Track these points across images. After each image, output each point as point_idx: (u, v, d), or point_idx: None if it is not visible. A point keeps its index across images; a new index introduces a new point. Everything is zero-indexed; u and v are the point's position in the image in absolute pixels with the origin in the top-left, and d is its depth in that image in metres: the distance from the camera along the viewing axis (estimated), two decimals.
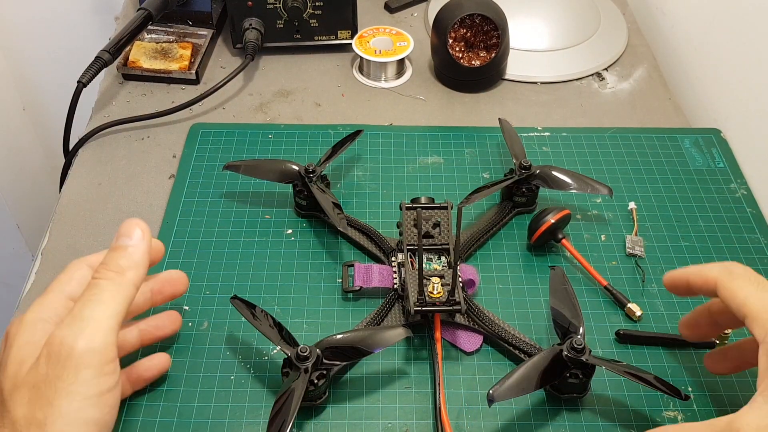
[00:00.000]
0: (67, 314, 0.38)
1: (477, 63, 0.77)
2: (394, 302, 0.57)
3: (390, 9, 0.90)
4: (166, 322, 0.52)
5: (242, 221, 0.64)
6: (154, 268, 0.50)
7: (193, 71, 0.79)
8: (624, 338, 0.56)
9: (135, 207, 0.66)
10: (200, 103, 0.76)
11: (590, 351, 0.49)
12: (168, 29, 0.83)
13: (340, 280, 0.59)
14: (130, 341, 0.50)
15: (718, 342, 0.55)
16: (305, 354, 0.48)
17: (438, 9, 0.77)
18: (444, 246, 0.58)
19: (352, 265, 0.59)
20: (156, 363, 0.50)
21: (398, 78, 0.81)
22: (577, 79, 0.81)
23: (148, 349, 0.53)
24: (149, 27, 0.79)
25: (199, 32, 0.83)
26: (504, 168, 0.70)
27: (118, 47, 0.74)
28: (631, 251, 0.62)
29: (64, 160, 0.74)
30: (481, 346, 0.55)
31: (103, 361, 0.36)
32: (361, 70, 0.82)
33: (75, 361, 0.35)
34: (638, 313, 0.57)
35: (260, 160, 0.69)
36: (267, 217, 0.65)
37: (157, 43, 0.82)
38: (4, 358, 0.38)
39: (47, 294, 0.42)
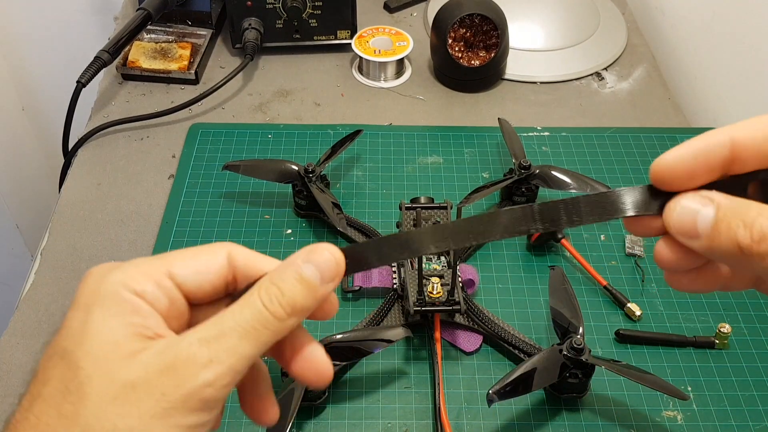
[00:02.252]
0: (201, 325, 0.29)
1: (476, 63, 0.77)
2: (394, 302, 0.57)
3: (389, 9, 0.90)
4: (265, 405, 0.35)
5: (242, 221, 0.64)
6: None
7: (193, 71, 0.79)
8: (624, 338, 0.56)
9: (134, 207, 0.66)
10: (199, 103, 0.76)
11: (590, 351, 0.49)
12: (167, 29, 0.83)
13: None
14: None
15: (717, 342, 0.55)
16: None
17: (437, 9, 0.77)
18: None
19: None
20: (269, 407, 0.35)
21: (398, 78, 0.81)
22: (576, 79, 0.81)
23: None
24: (148, 27, 0.79)
25: (198, 32, 0.83)
26: (503, 168, 0.70)
27: (117, 47, 0.74)
28: (630, 251, 0.62)
29: (63, 161, 0.74)
30: (480, 346, 0.55)
31: (217, 399, 0.29)
32: (360, 70, 0.82)
33: (193, 389, 0.28)
34: (638, 312, 0.57)
35: (260, 160, 0.69)
36: (266, 217, 0.65)
37: (157, 43, 0.82)
38: (79, 323, 0.29)
39: (149, 262, 0.31)
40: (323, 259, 0.30)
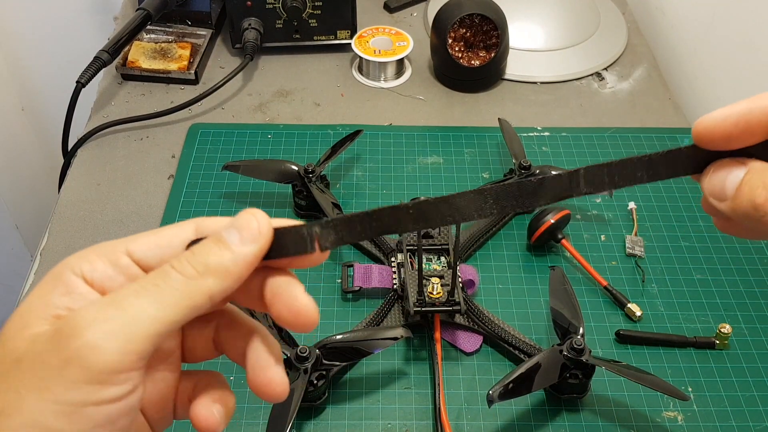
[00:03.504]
0: (110, 293, 0.28)
1: (476, 63, 0.77)
2: (394, 303, 0.57)
3: (389, 9, 0.90)
4: (215, 384, 0.32)
5: None
6: None
7: (192, 71, 0.79)
8: (624, 338, 0.56)
9: (134, 207, 0.66)
10: (199, 103, 0.76)
11: (590, 351, 0.49)
12: (167, 29, 0.83)
13: (339, 281, 0.59)
14: (161, 382, 0.31)
15: (718, 342, 0.55)
16: (305, 354, 0.48)
17: (437, 9, 0.77)
18: (444, 246, 0.57)
19: (352, 266, 0.59)
20: (218, 409, 0.31)
21: (398, 78, 0.81)
22: (576, 79, 0.81)
23: None
24: (148, 27, 0.79)
25: (198, 32, 0.83)
26: (504, 168, 0.70)
27: (117, 47, 0.74)
28: (631, 251, 0.62)
29: (63, 161, 0.74)
30: (480, 346, 0.55)
31: (106, 367, 0.25)
32: (360, 70, 0.81)
33: (72, 351, 0.25)
34: (638, 313, 0.57)
35: (259, 161, 0.69)
36: None
37: (156, 43, 0.82)
38: (18, 307, 0.28)
39: (108, 243, 0.30)
40: (244, 220, 0.29)
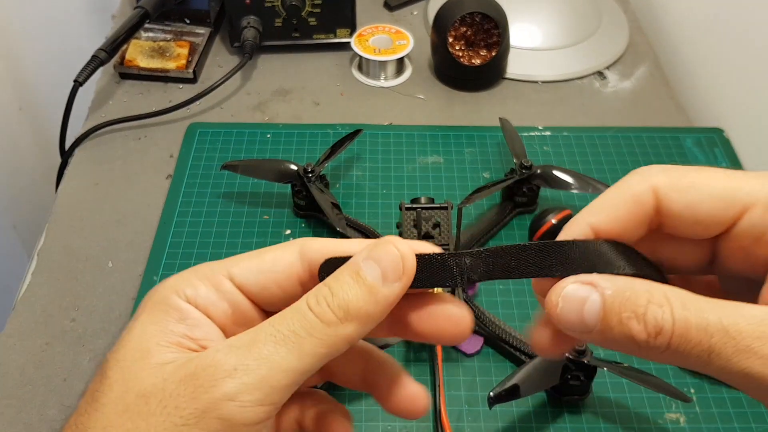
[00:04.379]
0: (240, 333, 0.26)
1: (477, 62, 0.77)
2: None
3: (389, 7, 0.90)
4: (338, 422, 0.31)
5: (240, 221, 0.64)
6: None
7: (191, 70, 0.78)
8: None
9: (132, 207, 0.65)
10: (198, 103, 0.76)
11: (591, 352, 0.49)
12: (165, 28, 0.82)
13: None
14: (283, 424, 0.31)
15: None
16: None
17: (438, 7, 0.76)
18: (444, 247, 0.57)
19: None
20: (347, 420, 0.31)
21: (398, 77, 0.80)
22: (578, 78, 0.81)
23: None
24: (146, 25, 0.78)
25: (196, 31, 0.83)
26: (504, 168, 0.69)
27: (114, 46, 0.73)
28: None
29: (60, 160, 0.73)
30: (481, 347, 0.55)
31: (244, 420, 0.24)
32: (360, 68, 0.81)
33: (211, 403, 0.24)
34: None
35: (258, 160, 0.68)
36: (265, 217, 0.64)
37: (154, 41, 0.81)
38: (125, 332, 0.27)
39: (207, 265, 0.28)
40: (386, 253, 0.25)
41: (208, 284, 0.27)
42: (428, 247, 0.26)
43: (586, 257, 0.26)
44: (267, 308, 0.28)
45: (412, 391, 0.29)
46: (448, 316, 0.27)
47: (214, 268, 0.28)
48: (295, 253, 0.28)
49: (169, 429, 0.24)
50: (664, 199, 0.26)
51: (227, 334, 0.27)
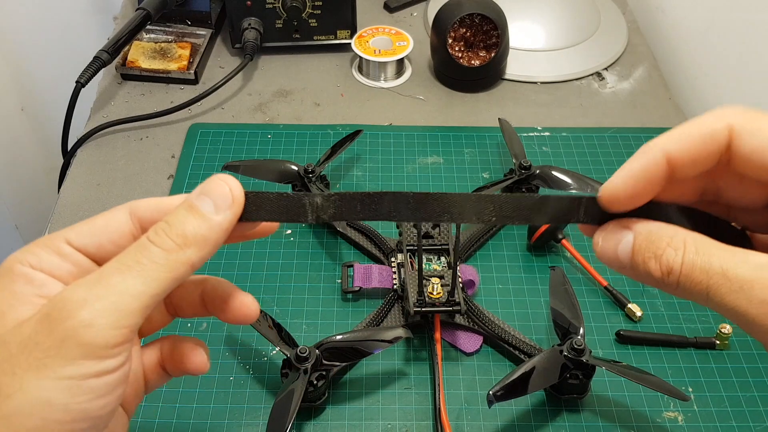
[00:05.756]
0: (91, 272, 0.29)
1: (477, 63, 0.77)
2: (394, 303, 0.56)
3: (389, 8, 0.90)
4: (192, 354, 0.35)
5: None
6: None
7: (192, 71, 0.78)
8: (624, 339, 0.55)
9: None
10: (199, 103, 0.76)
11: (590, 352, 0.49)
12: (167, 29, 0.83)
13: (339, 281, 0.59)
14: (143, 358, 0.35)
15: (718, 343, 0.55)
16: (304, 355, 0.48)
17: (438, 8, 0.77)
18: (444, 246, 0.57)
19: (352, 266, 0.59)
20: (200, 355, 0.35)
21: (398, 78, 0.81)
22: (577, 79, 0.81)
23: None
24: (148, 27, 0.79)
25: (197, 32, 0.83)
26: (504, 168, 0.69)
27: (116, 47, 0.74)
28: None
29: (62, 161, 0.74)
30: (480, 346, 0.55)
31: (101, 342, 0.27)
32: (360, 69, 0.81)
33: (68, 330, 0.26)
34: (638, 313, 0.56)
35: (259, 161, 0.68)
36: None
37: (156, 42, 0.82)
38: None
39: (45, 236, 0.31)
40: (214, 186, 0.30)
41: (48, 250, 0.30)
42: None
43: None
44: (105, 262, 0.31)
45: (243, 300, 0.33)
46: (242, 300, 0.33)
47: (52, 237, 0.31)
48: (125, 213, 0.31)
49: (33, 364, 0.26)
50: (737, 139, 0.28)
51: None
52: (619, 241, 0.29)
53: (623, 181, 0.29)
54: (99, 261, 0.31)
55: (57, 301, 0.27)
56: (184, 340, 0.34)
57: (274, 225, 0.33)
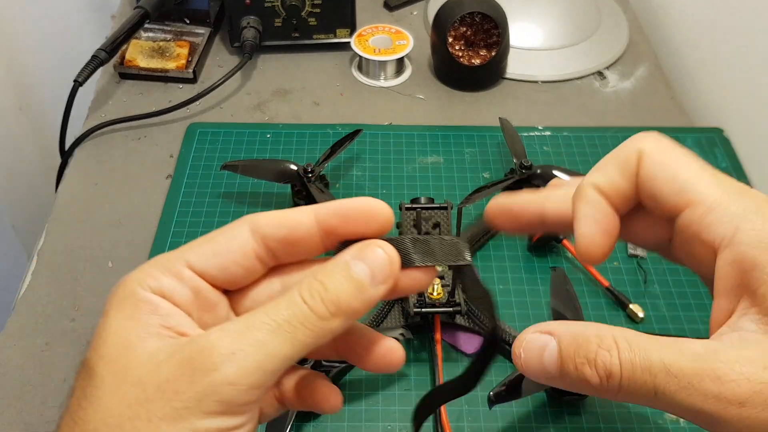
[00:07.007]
0: (230, 319, 0.28)
1: (477, 61, 0.77)
2: (394, 303, 0.56)
3: (389, 7, 0.90)
4: (326, 393, 0.32)
5: None
6: None
7: (191, 70, 0.78)
8: None
9: (132, 207, 0.65)
10: (197, 103, 0.76)
11: None
12: (165, 28, 0.82)
13: None
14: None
15: None
16: None
17: (438, 7, 0.76)
18: None
19: None
20: (331, 394, 0.32)
21: (397, 77, 0.80)
22: (578, 78, 0.81)
23: None
24: (146, 25, 0.78)
25: (196, 31, 0.82)
26: (504, 168, 0.69)
27: (114, 46, 0.73)
28: (633, 252, 0.61)
29: (60, 160, 0.73)
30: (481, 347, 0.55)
31: (241, 401, 0.25)
32: (360, 68, 0.81)
33: (210, 386, 0.25)
34: (641, 314, 0.56)
35: (258, 160, 0.68)
36: None
37: (154, 41, 0.81)
38: (99, 331, 0.27)
39: (164, 256, 0.29)
40: (375, 256, 0.28)
41: (169, 274, 0.28)
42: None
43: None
44: (227, 287, 0.29)
45: (388, 345, 0.30)
46: (388, 347, 0.30)
47: (172, 259, 0.28)
48: (247, 231, 0.29)
49: (170, 413, 0.25)
50: (641, 165, 0.28)
51: (194, 319, 0.28)
52: (543, 349, 0.27)
53: (592, 238, 0.29)
54: (219, 284, 0.29)
55: (202, 348, 0.26)
56: (310, 374, 0.32)
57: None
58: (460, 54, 0.77)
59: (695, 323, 0.56)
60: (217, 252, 0.29)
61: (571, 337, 0.26)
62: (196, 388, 0.25)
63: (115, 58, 0.77)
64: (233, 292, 0.29)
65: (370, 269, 0.27)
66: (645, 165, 0.28)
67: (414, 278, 0.29)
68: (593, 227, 0.29)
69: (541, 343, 0.27)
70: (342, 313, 0.27)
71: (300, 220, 0.29)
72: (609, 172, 0.29)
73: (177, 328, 0.27)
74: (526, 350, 0.27)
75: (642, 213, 0.30)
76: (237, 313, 0.29)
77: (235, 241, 0.29)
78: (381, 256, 0.28)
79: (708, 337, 0.27)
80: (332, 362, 0.49)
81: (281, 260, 0.30)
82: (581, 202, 0.29)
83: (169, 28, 0.82)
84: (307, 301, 0.27)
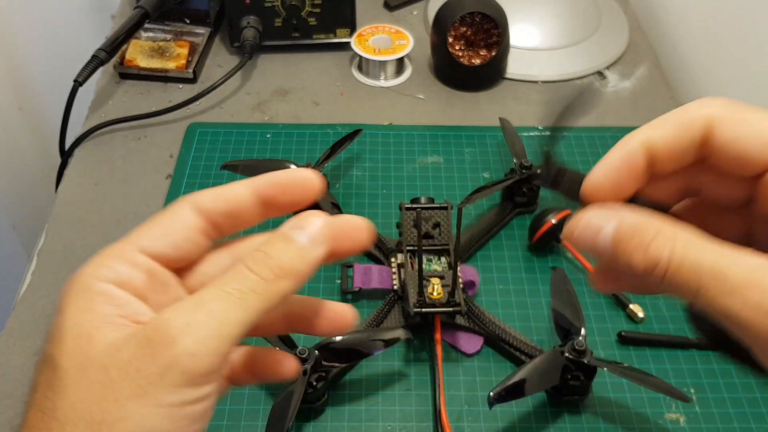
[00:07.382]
0: (187, 297, 0.29)
1: (477, 61, 0.77)
2: (394, 303, 0.56)
3: (389, 7, 0.90)
4: (279, 358, 0.34)
5: None
6: None
7: (191, 70, 0.78)
8: (626, 340, 0.55)
9: (132, 207, 0.65)
10: (197, 103, 0.76)
11: (592, 353, 0.49)
12: (165, 27, 0.82)
13: (339, 281, 0.59)
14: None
15: None
16: (304, 356, 0.48)
17: (438, 7, 0.76)
18: (444, 247, 0.57)
19: (351, 266, 0.58)
20: (284, 359, 0.34)
21: (398, 77, 0.80)
22: (578, 78, 0.81)
23: None
24: (146, 25, 0.78)
25: (196, 30, 0.82)
26: (504, 168, 0.69)
27: (114, 46, 0.73)
28: None
29: (60, 160, 0.73)
30: (481, 347, 0.55)
31: (202, 370, 0.27)
32: (360, 68, 0.81)
33: (170, 358, 0.26)
34: (640, 314, 0.56)
35: (258, 160, 0.68)
36: None
37: (154, 41, 0.81)
38: (57, 326, 0.28)
39: (117, 246, 0.30)
40: (310, 222, 0.30)
41: (123, 261, 0.29)
42: (351, 222, 0.31)
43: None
44: (179, 265, 0.31)
45: (337, 308, 0.33)
46: (338, 309, 0.33)
47: (124, 246, 0.30)
48: (188, 208, 0.30)
49: (135, 391, 0.26)
50: (714, 129, 0.27)
51: (150, 303, 0.29)
52: (601, 226, 0.27)
53: (605, 174, 0.29)
54: (172, 264, 0.30)
55: (159, 326, 0.27)
56: (265, 350, 0.34)
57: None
58: (460, 54, 0.77)
59: None
60: (165, 232, 0.30)
61: (631, 220, 0.27)
62: (157, 363, 0.26)
63: (115, 58, 0.77)
64: (184, 270, 0.31)
65: (307, 233, 0.30)
66: (724, 128, 0.27)
67: (352, 239, 0.31)
68: (613, 165, 0.29)
69: (595, 227, 0.27)
70: (287, 275, 0.29)
71: (237, 192, 0.31)
72: (667, 130, 0.29)
73: (133, 317, 0.28)
74: (582, 229, 0.28)
75: (707, 173, 0.29)
76: (190, 292, 0.31)
77: (180, 220, 0.30)
78: (316, 220, 0.30)
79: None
80: (332, 363, 0.49)
81: (225, 232, 0.32)
82: (618, 148, 0.29)
83: (169, 28, 0.82)
84: (252, 268, 0.28)
